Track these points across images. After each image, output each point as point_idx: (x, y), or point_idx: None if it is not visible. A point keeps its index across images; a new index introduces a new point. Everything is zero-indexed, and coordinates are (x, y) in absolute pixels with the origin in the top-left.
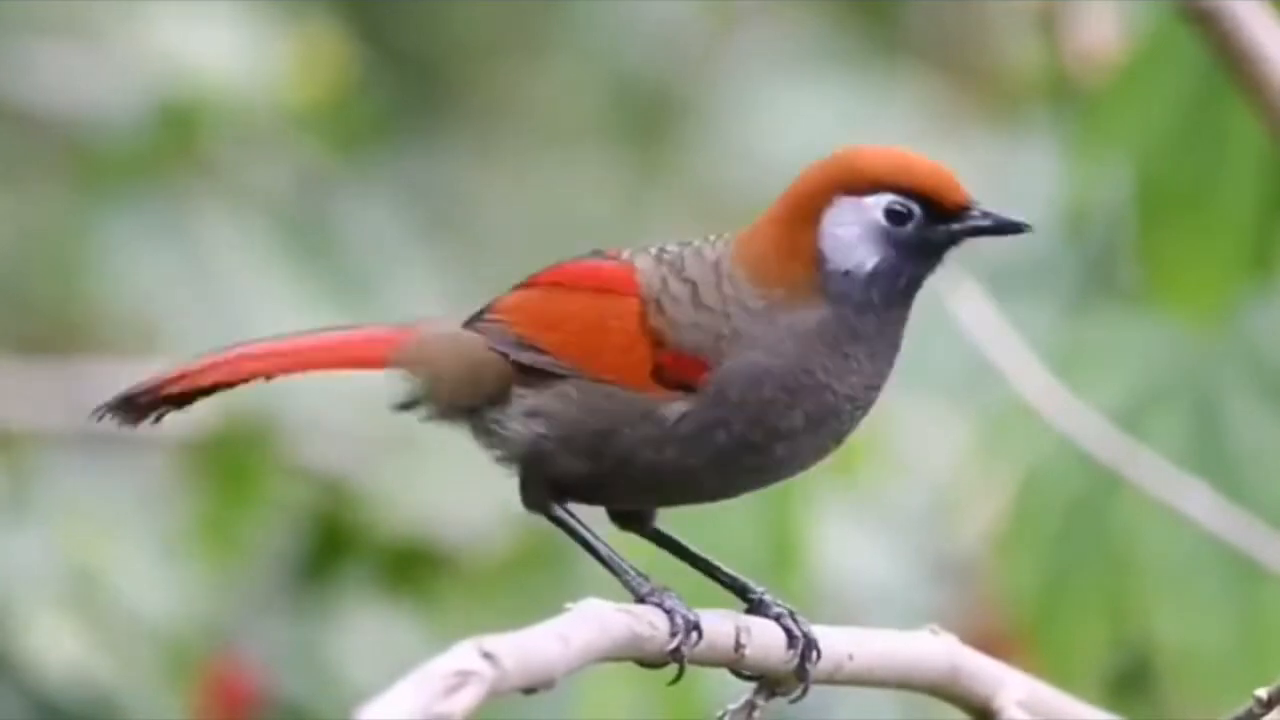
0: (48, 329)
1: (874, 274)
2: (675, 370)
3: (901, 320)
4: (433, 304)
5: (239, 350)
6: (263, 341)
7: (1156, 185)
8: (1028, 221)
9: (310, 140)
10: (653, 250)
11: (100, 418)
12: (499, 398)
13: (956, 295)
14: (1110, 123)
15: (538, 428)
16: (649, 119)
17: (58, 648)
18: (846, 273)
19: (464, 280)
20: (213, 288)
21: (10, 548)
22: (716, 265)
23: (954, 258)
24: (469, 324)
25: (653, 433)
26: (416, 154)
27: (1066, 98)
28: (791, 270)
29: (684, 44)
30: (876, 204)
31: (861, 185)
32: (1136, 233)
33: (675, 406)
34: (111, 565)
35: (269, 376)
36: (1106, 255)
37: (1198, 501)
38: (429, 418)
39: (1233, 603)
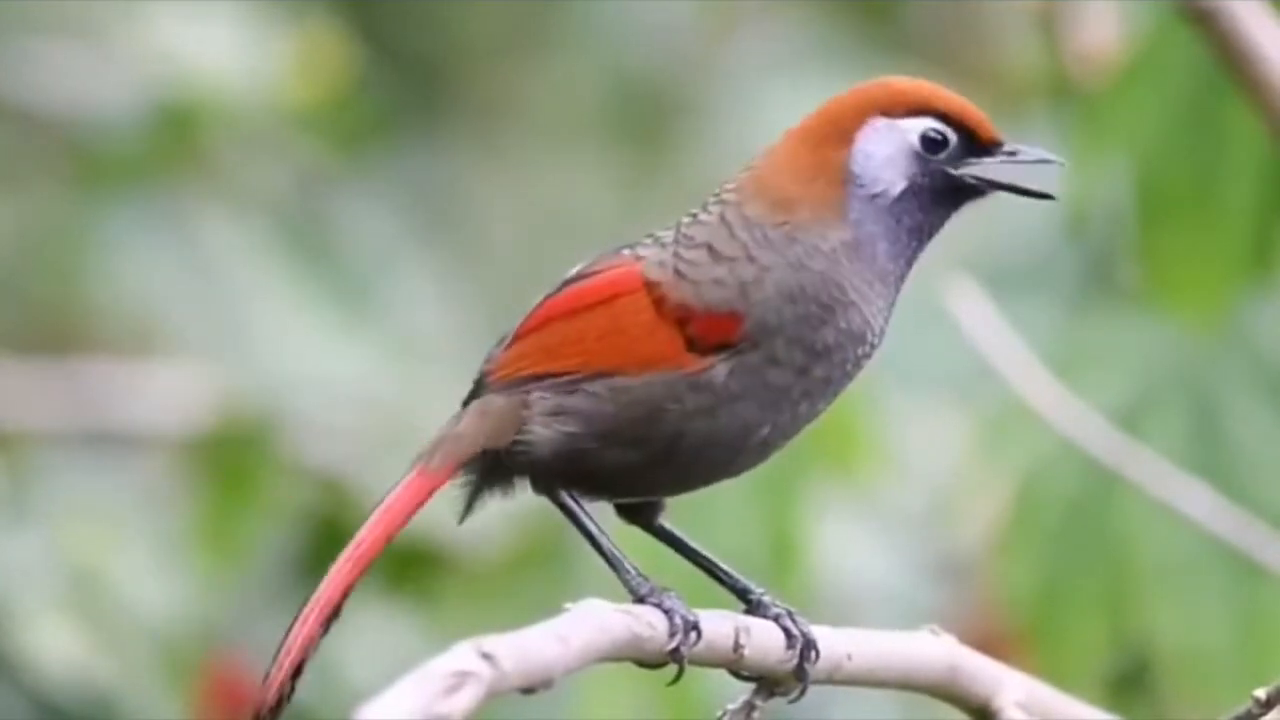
0: (48, 329)
1: (900, 199)
2: (708, 336)
3: (901, 277)
4: (431, 302)
5: (320, 594)
6: (331, 571)
7: (1156, 185)
8: (1053, 158)
9: (310, 140)
10: (648, 239)
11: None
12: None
13: (956, 295)
14: (1110, 123)
15: (568, 427)
16: (649, 119)
17: (58, 648)
18: (874, 195)
19: (463, 279)
20: (212, 287)
21: (10, 548)
22: (722, 217)
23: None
24: (469, 399)
25: (704, 401)
26: (416, 154)
27: (1066, 98)
28: (815, 190)
29: (684, 44)
30: (914, 127)
31: (900, 107)
32: (1136, 232)
33: (718, 368)
34: (111, 565)
35: (353, 587)
36: (1106, 255)
37: (1197, 501)
38: (490, 493)
39: (1232, 603)
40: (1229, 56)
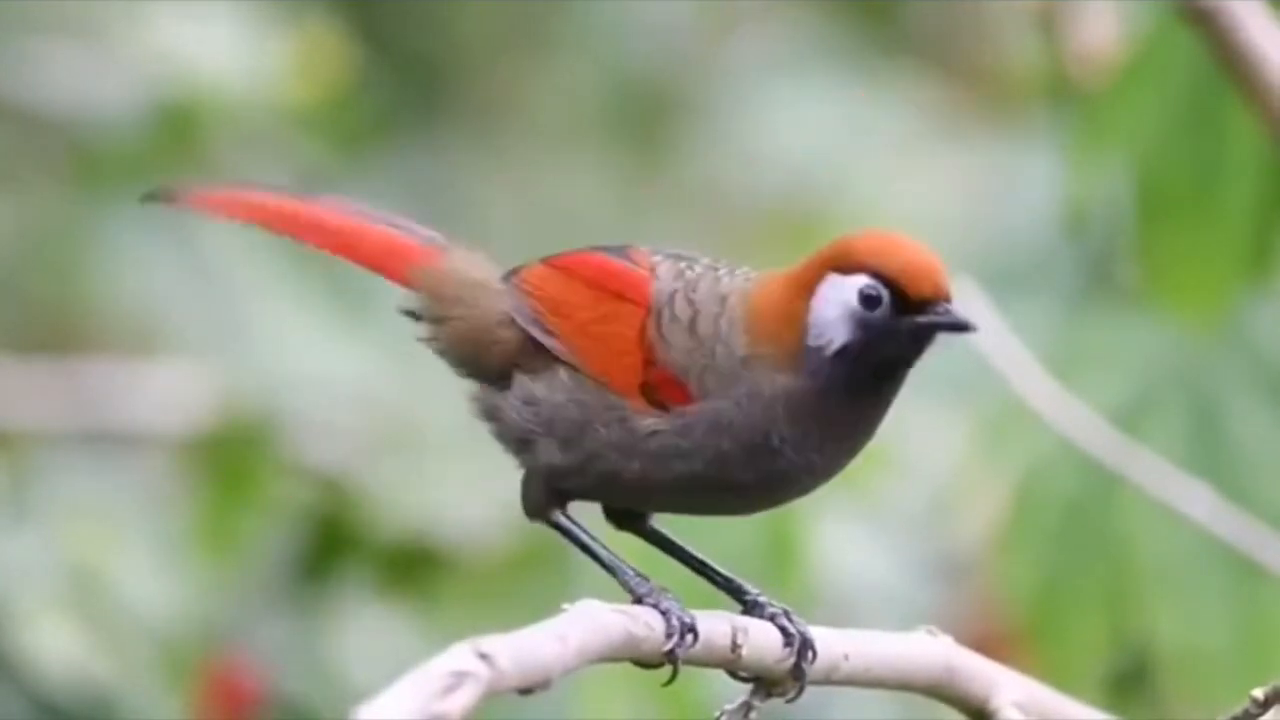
0: (48, 329)
1: (840, 353)
2: (659, 388)
3: (876, 404)
4: None
5: (268, 194)
6: (290, 199)
7: (1156, 185)
8: (975, 327)
9: (310, 140)
10: (681, 263)
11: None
12: (501, 376)
13: (956, 295)
14: (1110, 123)
15: (527, 414)
16: (649, 119)
17: (58, 648)
18: (820, 349)
19: None
20: (212, 287)
21: (10, 548)
22: (725, 299)
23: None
24: (503, 278)
25: (623, 439)
26: (416, 154)
27: (1066, 98)
28: (781, 334)
29: (684, 44)
30: (853, 285)
31: (847, 264)
32: (1136, 232)
33: (648, 422)
34: (111, 565)
35: (280, 229)
36: (1106, 255)
37: (1197, 501)
38: (426, 343)
39: (1232, 603)
40: (1229, 57)
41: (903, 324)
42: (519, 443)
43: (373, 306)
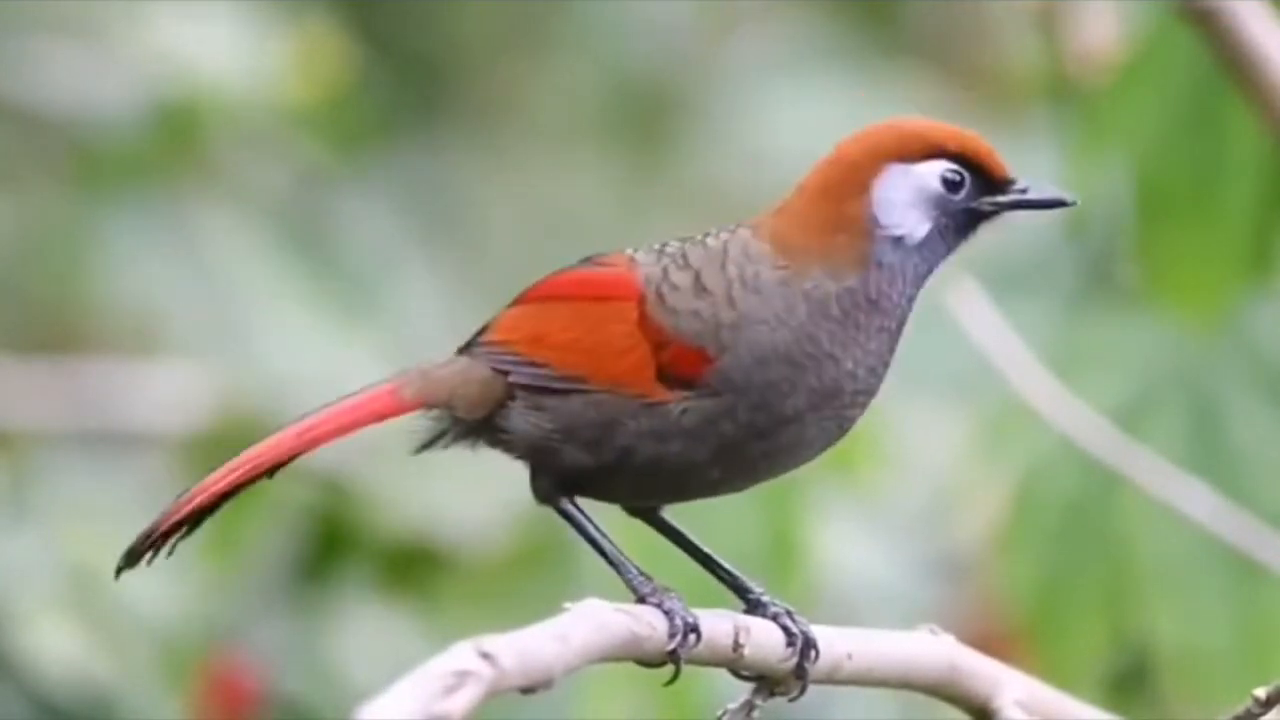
0: (48, 329)
1: (926, 240)
2: (676, 368)
3: (913, 302)
4: (431, 302)
5: (252, 452)
6: (272, 436)
7: (1156, 185)
8: (1067, 198)
9: (310, 140)
10: (655, 246)
11: (119, 573)
12: (504, 401)
13: (956, 295)
14: (1110, 123)
15: (541, 422)
16: (649, 119)
17: (57, 648)
18: (899, 239)
19: (463, 279)
20: (212, 287)
21: (10, 548)
22: (724, 251)
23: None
24: (465, 349)
25: (656, 425)
26: (416, 153)
27: (1066, 98)
28: (834, 241)
29: (684, 44)
30: (931, 170)
31: (914, 152)
32: (1136, 232)
33: (678, 404)
34: (111, 565)
35: (289, 460)
36: (1106, 255)
37: (1197, 501)
38: (449, 444)
39: (1232, 603)
40: (1229, 57)
41: (984, 204)
42: (536, 452)
43: (372, 306)
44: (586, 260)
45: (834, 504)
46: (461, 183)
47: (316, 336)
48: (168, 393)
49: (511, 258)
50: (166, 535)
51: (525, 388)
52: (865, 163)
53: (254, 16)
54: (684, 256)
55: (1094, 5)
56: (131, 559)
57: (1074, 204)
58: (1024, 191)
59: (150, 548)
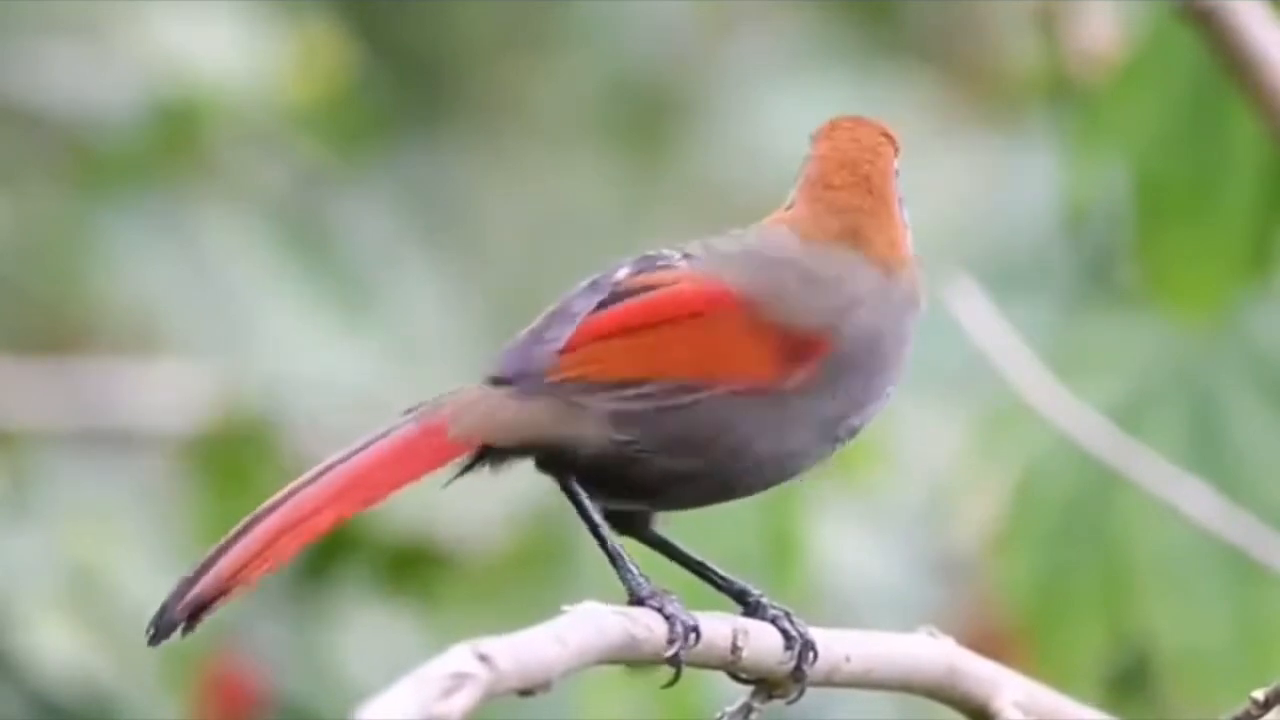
0: (48, 329)
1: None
2: (795, 356)
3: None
4: (431, 302)
5: (284, 517)
6: (301, 495)
7: (1155, 185)
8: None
9: (310, 140)
10: (695, 249)
11: (153, 641)
12: (584, 433)
13: (956, 295)
14: (1110, 123)
15: (622, 435)
16: (649, 118)
17: (57, 647)
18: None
19: (463, 278)
20: (212, 287)
21: (10, 548)
22: (807, 244)
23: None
24: (525, 392)
25: (775, 419)
26: (416, 153)
27: (1066, 98)
28: (904, 247)
29: (684, 44)
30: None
31: (896, 149)
32: (1135, 232)
33: (796, 391)
34: (111, 565)
35: (336, 525)
36: (1105, 255)
37: (1197, 501)
38: (487, 471)
39: (1231, 603)
40: (1229, 57)
41: None
42: (603, 467)
43: (373, 306)
44: (618, 295)
45: (832, 505)
46: (462, 182)
47: (316, 336)
48: (168, 392)
49: (512, 257)
50: (207, 605)
51: (606, 403)
52: (891, 159)
53: (254, 16)
54: (759, 254)
55: (1094, 5)
56: (166, 629)
57: None
58: None
59: (192, 618)
